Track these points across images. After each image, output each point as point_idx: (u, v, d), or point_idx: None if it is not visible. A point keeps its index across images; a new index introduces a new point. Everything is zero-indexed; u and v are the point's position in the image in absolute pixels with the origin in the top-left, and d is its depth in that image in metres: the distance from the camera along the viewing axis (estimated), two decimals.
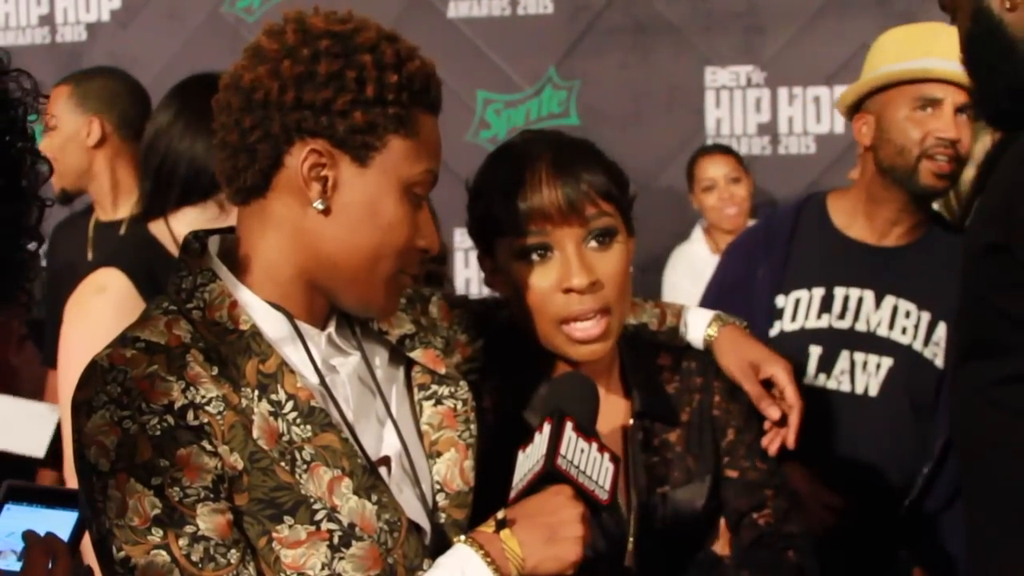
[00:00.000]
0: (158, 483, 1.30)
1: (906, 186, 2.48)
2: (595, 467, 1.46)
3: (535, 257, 1.68)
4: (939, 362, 2.47)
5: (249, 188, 1.43)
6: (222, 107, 1.43)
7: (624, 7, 4.92)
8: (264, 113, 1.38)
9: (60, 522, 1.33)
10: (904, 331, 2.51)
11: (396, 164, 1.41)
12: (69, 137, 3.21)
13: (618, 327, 1.73)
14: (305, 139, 1.38)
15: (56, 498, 1.38)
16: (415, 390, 1.60)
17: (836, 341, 2.51)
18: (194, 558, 1.31)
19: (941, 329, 2.48)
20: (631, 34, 4.92)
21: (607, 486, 1.45)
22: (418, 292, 1.73)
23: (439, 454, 1.56)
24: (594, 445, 1.47)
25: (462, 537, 1.41)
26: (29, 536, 1.26)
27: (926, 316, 2.51)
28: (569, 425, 1.45)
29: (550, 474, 1.42)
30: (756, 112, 4.86)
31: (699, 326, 1.95)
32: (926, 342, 2.49)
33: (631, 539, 1.74)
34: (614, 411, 1.79)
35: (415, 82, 1.42)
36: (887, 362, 2.51)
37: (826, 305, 2.56)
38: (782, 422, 1.86)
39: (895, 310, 2.52)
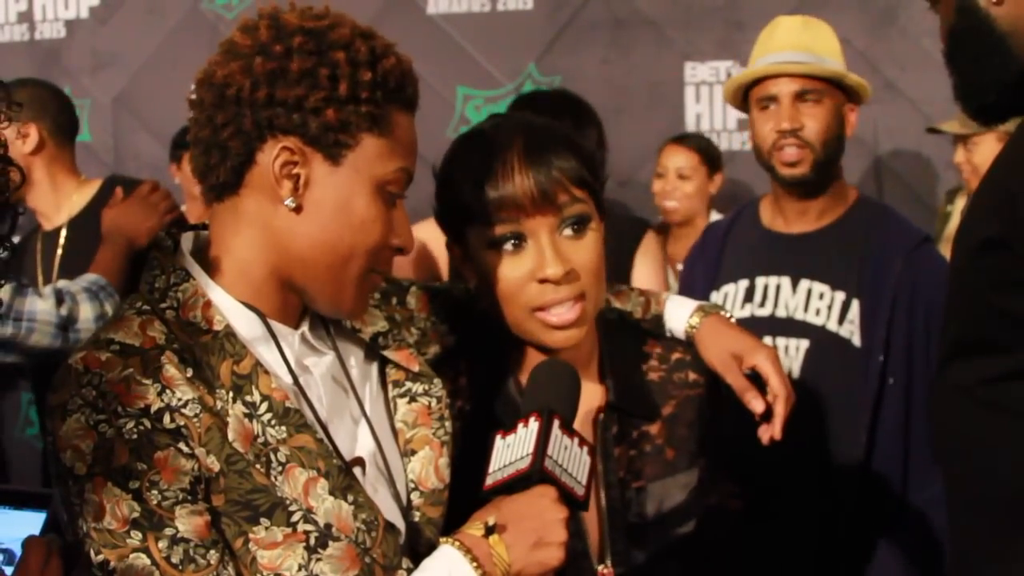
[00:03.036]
0: (135, 487, 1.30)
1: (775, 179, 2.63)
2: (575, 462, 1.45)
3: (508, 247, 1.65)
4: (856, 340, 2.54)
5: (221, 185, 1.42)
6: (195, 103, 1.43)
7: (603, 3, 4.92)
8: (236, 110, 1.38)
9: (29, 523, 1.32)
10: (818, 312, 2.59)
11: (369, 162, 1.40)
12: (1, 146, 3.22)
13: (593, 312, 1.69)
14: (277, 136, 1.38)
15: (25, 499, 1.37)
16: (390, 387, 1.59)
17: (758, 328, 2.55)
18: (174, 560, 1.30)
19: (855, 307, 2.55)
20: (611, 30, 4.91)
21: (583, 480, 1.45)
22: (395, 283, 1.72)
23: (413, 452, 1.56)
24: (575, 440, 1.46)
25: (449, 539, 1.39)
26: (29, 539, 1.25)
27: (840, 296, 2.58)
28: (556, 423, 1.44)
29: (537, 476, 1.41)
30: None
31: (681, 317, 1.91)
32: (840, 320, 2.56)
33: (604, 537, 1.71)
34: (589, 401, 1.75)
35: (390, 80, 1.41)
36: (804, 344, 2.59)
37: (748, 295, 2.67)
38: (768, 415, 1.82)
39: (809, 293, 2.61)
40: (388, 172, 1.42)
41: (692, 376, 1.84)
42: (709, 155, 4.41)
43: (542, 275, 1.63)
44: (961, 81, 1.71)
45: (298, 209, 1.40)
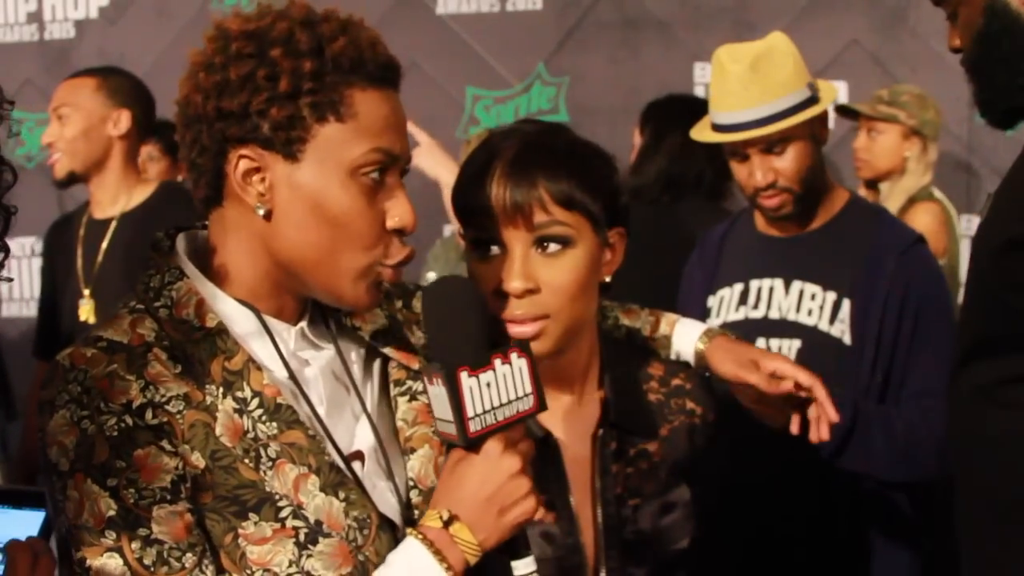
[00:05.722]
0: (113, 484, 1.30)
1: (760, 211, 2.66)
2: (509, 385, 1.36)
3: (482, 252, 1.65)
4: (846, 339, 2.54)
5: (206, 199, 1.44)
6: (175, 125, 1.45)
7: (613, 3, 4.91)
8: (197, 127, 1.39)
9: (27, 522, 1.32)
10: (810, 313, 2.60)
11: (333, 151, 1.37)
12: (94, 124, 3.29)
13: (561, 332, 1.64)
14: (235, 146, 1.38)
15: (22, 498, 1.37)
16: (391, 386, 1.58)
17: (752, 330, 2.58)
18: (146, 562, 1.30)
19: (846, 307, 2.56)
20: (620, 30, 4.90)
21: (530, 390, 1.37)
22: (401, 286, 1.71)
23: (413, 450, 1.55)
24: (496, 363, 1.36)
25: (413, 531, 1.36)
26: (11, 544, 1.24)
27: (831, 296, 2.58)
28: (463, 375, 1.33)
29: (468, 445, 1.35)
30: None
31: (689, 338, 1.92)
32: (831, 320, 2.57)
33: (600, 552, 1.70)
34: (588, 416, 1.75)
35: (342, 61, 1.37)
36: (796, 344, 2.60)
37: (743, 298, 2.68)
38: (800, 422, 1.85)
39: (801, 294, 2.62)
40: (357, 156, 1.38)
41: (690, 405, 1.84)
42: None
43: (503, 287, 1.62)
44: (989, 85, 1.67)
45: (268, 215, 1.39)
